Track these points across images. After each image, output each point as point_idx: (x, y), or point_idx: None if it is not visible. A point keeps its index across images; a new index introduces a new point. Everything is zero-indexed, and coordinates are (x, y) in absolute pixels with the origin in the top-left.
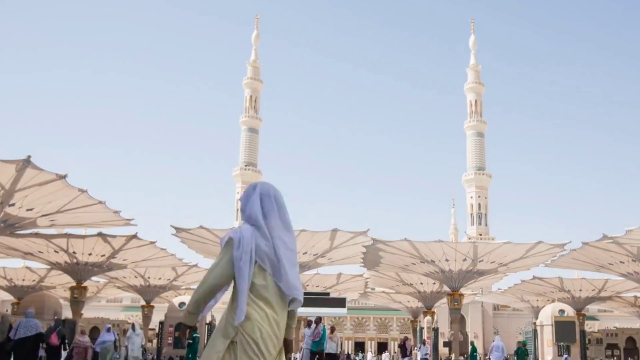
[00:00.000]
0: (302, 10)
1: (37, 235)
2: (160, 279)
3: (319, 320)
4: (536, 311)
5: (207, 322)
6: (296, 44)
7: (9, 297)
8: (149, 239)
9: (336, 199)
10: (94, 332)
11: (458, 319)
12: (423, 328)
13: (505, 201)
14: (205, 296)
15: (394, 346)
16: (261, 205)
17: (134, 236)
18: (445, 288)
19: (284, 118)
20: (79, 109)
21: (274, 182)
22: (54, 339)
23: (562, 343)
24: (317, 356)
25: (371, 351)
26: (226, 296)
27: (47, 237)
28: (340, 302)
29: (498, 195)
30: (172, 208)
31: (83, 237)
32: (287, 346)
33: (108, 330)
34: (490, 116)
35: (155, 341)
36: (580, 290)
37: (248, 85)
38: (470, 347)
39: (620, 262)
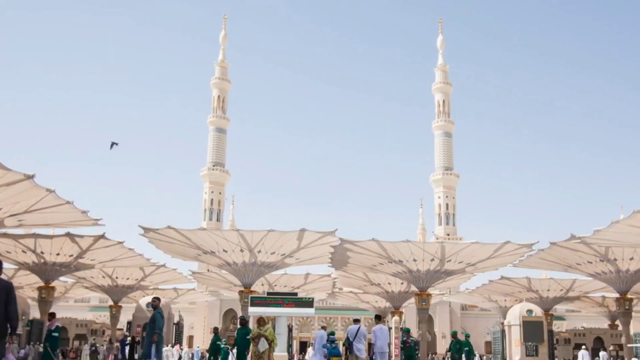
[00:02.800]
0: (268, 12)
1: (4, 235)
2: (128, 279)
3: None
4: (504, 311)
5: (175, 322)
6: (264, 44)
7: None
8: (117, 239)
9: (304, 199)
10: (62, 332)
11: (426, 319)
12: (391, 328)
13: (473, 201)
14: None
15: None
16: None
17: (102, 236)
18: (413, 288)
19: (252, 118)
20: (47, 109)
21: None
22: None
23: (530, 343)
24: None
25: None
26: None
27: (15, 237)
28: (308, 303)
29: (466, 195)
30: (140, 208)
31: (51, 237)
32: None
33: None
34: (458, 116)
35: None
36: (548, 290)
37: (216, 86)
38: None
39: (588, 262)
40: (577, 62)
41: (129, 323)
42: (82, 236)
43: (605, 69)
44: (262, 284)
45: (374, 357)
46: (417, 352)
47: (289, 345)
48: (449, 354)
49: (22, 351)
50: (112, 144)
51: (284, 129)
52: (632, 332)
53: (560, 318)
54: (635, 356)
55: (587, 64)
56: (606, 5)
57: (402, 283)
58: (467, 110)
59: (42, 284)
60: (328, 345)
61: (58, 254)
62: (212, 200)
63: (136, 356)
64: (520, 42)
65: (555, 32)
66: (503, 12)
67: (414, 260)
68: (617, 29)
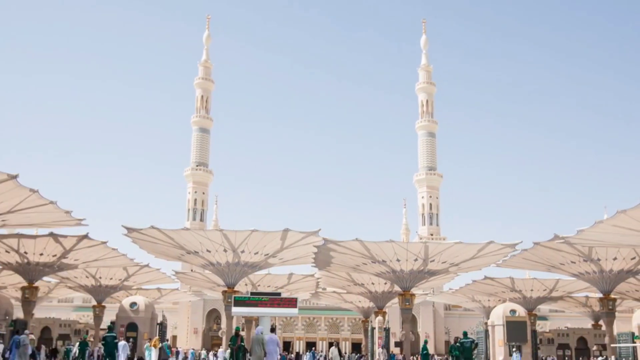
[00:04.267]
0: (253, 10)
1: None
2: (111, 279)
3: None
4: (487, 311)
5: (159, 322)
6: (248, 44)
7: None
8: (101, 239)
9: (287, 199)
10: (46, 333)
11: (409, 319)
12: (374, 328)
13: (456, 201)
14: None
15: (346, 346)
16: None
17: (85, 236)
18: (397, 288)
19: (235, 118)
20: (31, 110)
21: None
22: None
23: (513, 343)
24: None
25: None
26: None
27: None
28: (291, 302)
29: (449, 196)
30: (123, 208)
31: (34, 237)
32: None
33: None
34: (442, 116)
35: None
36: (532, 290)
37: (199, 86)
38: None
39: (572, 262)
40: (562, 65)
41: (112, 323)
42: (65, 236)
43: (589, 75)
44: (246, 284)
45: None
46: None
47: None
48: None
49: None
50: None
51: (268, 129)
52: (615, 332)
53: (544, 318)
54: (619, 356)
55: (573, 66)
56: None
57: (385, 283)
58: (451, 110)
59: (25, 284)
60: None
61: (41, 254)
62: (195, 200)
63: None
64: (504, 34)
65: (541, 32)
66: (488, 8)
67: (398, 260)
68: (602, 26)
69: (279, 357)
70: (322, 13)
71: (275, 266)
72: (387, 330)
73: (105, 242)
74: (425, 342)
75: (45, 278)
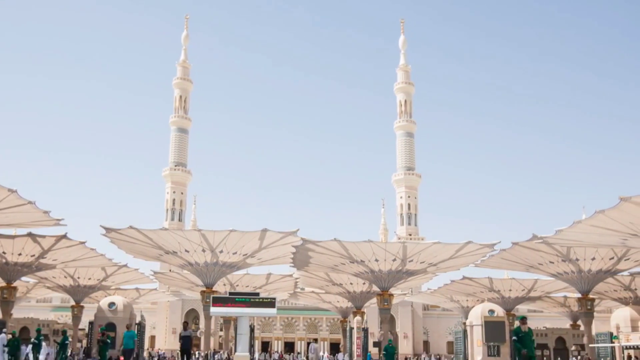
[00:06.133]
0: (232, 10)
1: None
2: (90, 279)
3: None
4: (466, 311)
5: (137, 322)
6: (226, 44)
7: None
8: (79, 239)
9: (266, 199)
10: (24, 333)
11: (388, 319)
12: (353, 328)
13: (435, 201)
14: None
15: (324, 346)
16: None
17: (64, 236)
18: (375, 288)
19: (214, 118)
20: (8, 109)
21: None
22: None
23: (491, 343)
24: None
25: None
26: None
27: None
28: (269, 303)
29: (428, 196)
30: (102, 208)
31: (13, 237)
32: None
33: None
34: (420, 116)
35: (85, 341)
36: (510, 290)
37: (178, 86)
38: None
39: (550, 262)
40: (541, 65)
41: (90, 323)
42: (44, 236)
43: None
44: (224, 284)
45: None
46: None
47: (251, 346)
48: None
49: None
50: None
51: (246, 129)
52: (594, 332)
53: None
54: (598, 356)
55: (552, 66)
56: None
57: (364, 283)
58: (429, 110)
59: (3, 284)
60: None
61: (20, 254)
62: (174, 200)
63: None
64: (482, 34)
65: (520, 31)
66: (467, 8)
67: (376, 260)
68: (579, 25)
69: None
70: (301, 12)
71: (253, 266)
72: (365, 330)
73: (83, 242)
74: (390, 341)
75: (23, 278)
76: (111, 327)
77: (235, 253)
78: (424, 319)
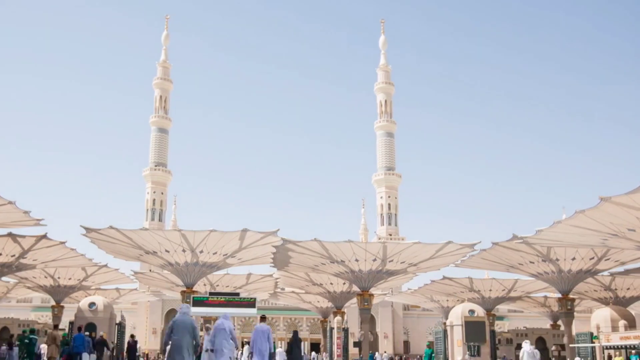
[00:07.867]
0: (212, 9)
1: None
2: (70, 279)
3: None
4: (446, 311)
5: (117, 322)
6: (206, 44)
7: None
8: (59, 239)
9: (246, 199)
10: (4, 333)
11: (368, 319)
12: (333, 328)
13: (415, 201)
14: None
15: (305, 346)
16: None
17: (44, 236)
18: (355, 288)
19: (194, 118)
20: None
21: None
22: None
23: (472, 343)
24: None
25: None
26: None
27: None
28: (250, 303)
29: (408, 196)
30: (82, 208)
31: None
32: None
33: None
34: (401, 116)
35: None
36: (490, 290)
37: (158, 86)
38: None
39: (530, 262)
40: (521, 64)
41: (71, 323)
42: (24, 236)
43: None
44: (204, 284)
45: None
46: None
47: None
48: None
49: None
50: None
51: (227, 129)
52: (574, 332)
53: (502, 318)
54: (578, 355)
55: (531, 65)
56: None
57: (344, 283)
58: (409, 110)
59: None
60: None
61: (0, 254)
62: (154, 200)
63: None
64: (463, 34)
65: (499, 31)
66: (447, 8)
67: (356, 260)
68: (560, 24)
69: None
70: (282, 12)
71: (233, 266)
72: (345, 330)
73: (64, 242)
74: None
75: (3, 278)
76: (91, 327)
77: (216, 253)
78: (404, 319)
